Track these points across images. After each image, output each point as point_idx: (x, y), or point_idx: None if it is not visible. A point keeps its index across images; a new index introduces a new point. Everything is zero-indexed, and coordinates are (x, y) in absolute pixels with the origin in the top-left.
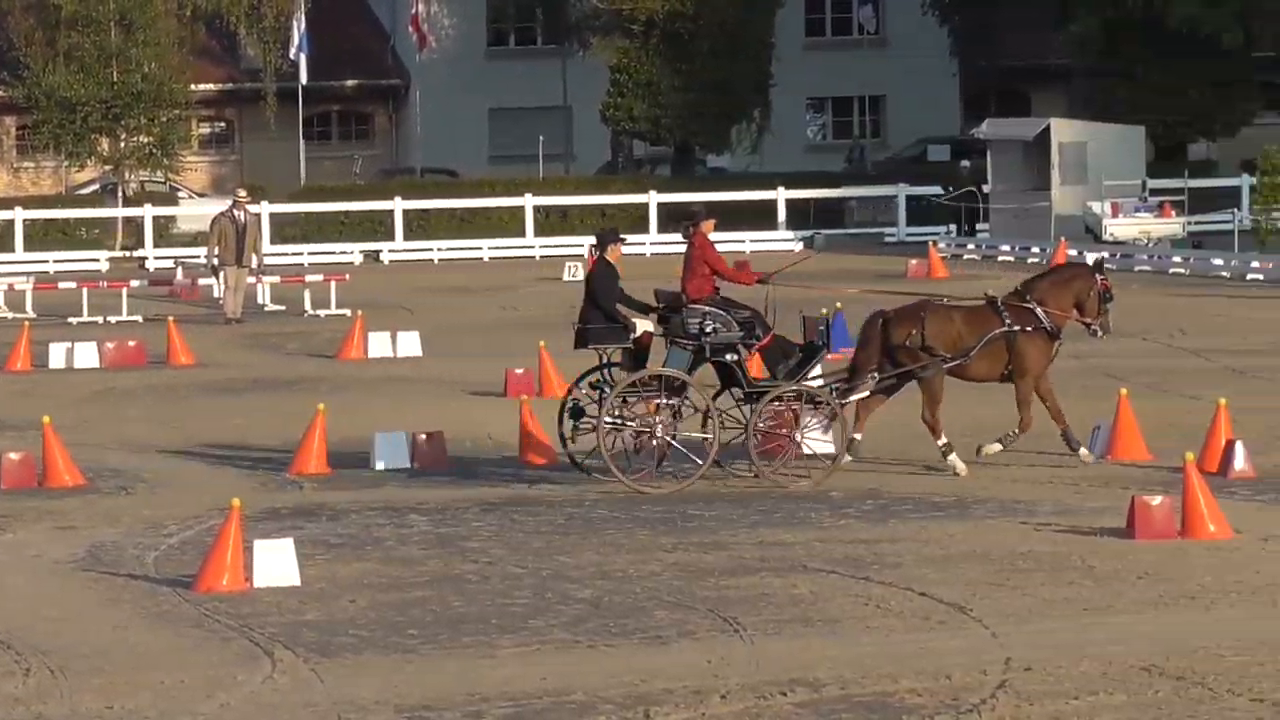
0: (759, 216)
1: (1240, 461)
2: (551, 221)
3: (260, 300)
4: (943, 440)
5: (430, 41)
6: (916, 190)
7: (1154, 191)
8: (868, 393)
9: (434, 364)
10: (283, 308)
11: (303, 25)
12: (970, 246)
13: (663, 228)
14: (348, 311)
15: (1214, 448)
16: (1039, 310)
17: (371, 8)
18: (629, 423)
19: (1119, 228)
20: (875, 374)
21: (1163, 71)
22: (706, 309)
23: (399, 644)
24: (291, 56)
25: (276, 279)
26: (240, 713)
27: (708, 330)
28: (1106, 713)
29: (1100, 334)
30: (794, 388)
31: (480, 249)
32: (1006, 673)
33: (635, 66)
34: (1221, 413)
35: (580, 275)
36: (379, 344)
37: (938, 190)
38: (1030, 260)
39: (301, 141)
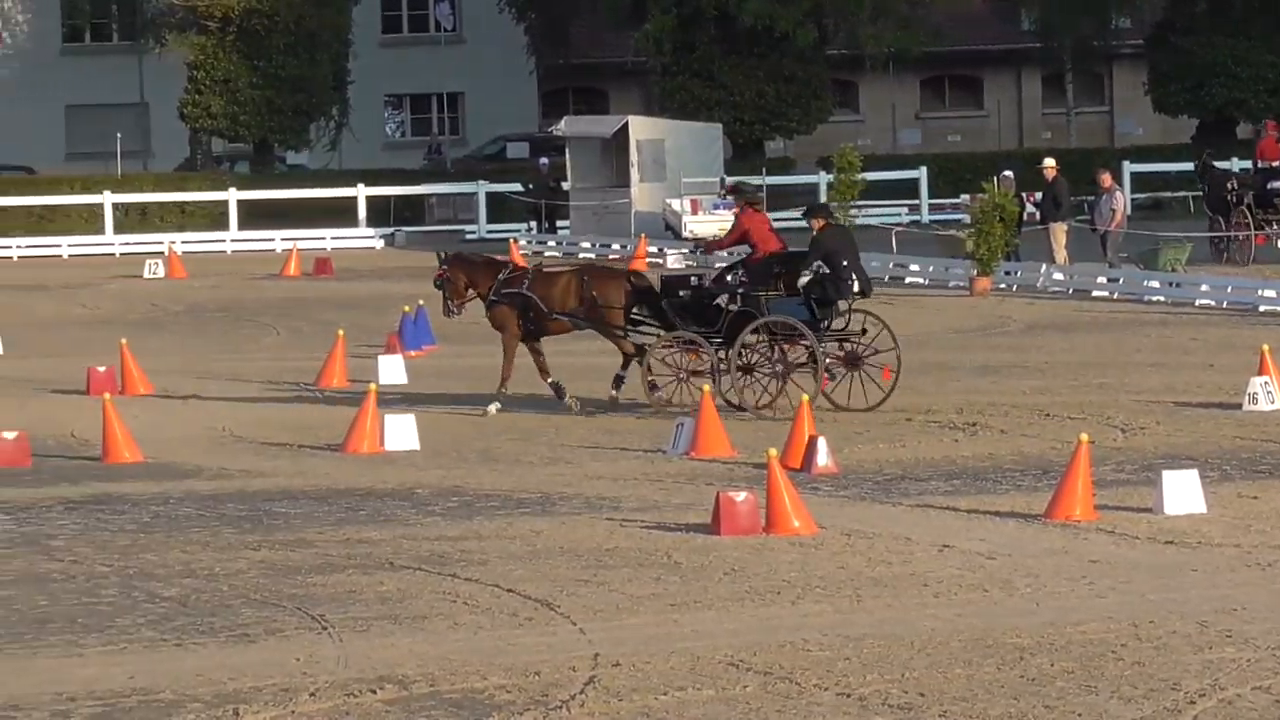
0: (339, 214)
1: (823, 457)
2: (131, 219)
3: None
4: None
5: (4, 37)
6: (496, 187)
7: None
8: None
9: (14, 362)
10: None
11: None
12: (551, 243)
13: (243, 224)
14: None
15: (797, 443)
16: None
17: None
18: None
19: (699, 225)
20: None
21: (738, 69)
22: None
23: None
24: None
25: None
26: None
27: None
28: (694, 707)
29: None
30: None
31: (59, 246)
32: (595, 668)
33: (212, 63)
34: (805, 409)
35: (161, 273)
36: None
37: (517, 187)
38: (611, 256)
39: None
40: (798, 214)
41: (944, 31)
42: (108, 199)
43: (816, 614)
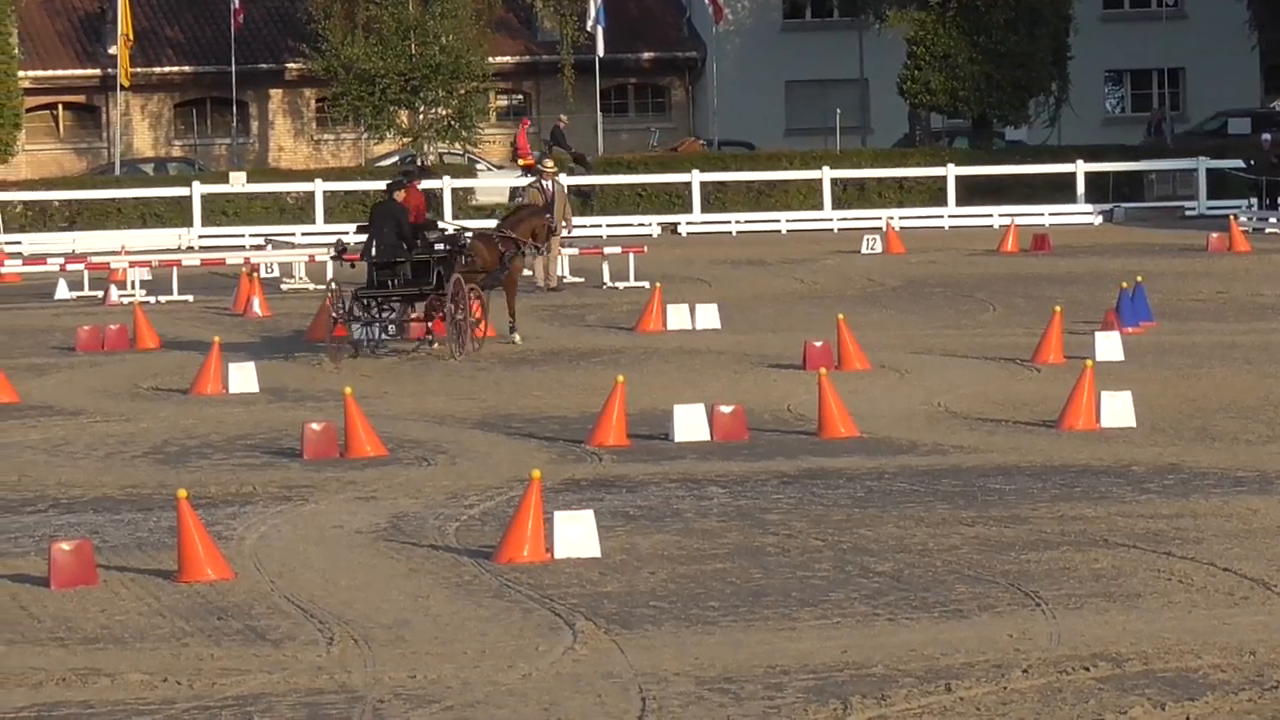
0: (1056, 189)
1: None
2: (849, 194)
3: (559, 272)
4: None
5: (726, 14)
6: (1217, 164)
7: None
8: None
9: (732, 336)
10: (581, 279)
11: None
12: (1272, 220)
13: (960, 201)
14: (646, 283)
15: None
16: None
17: None
18: None
19: None
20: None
21: None
22: None
23: (699, 616)
24: (588, 29)
25: (575, 251)
26: (542, 683)
27: None
28: None
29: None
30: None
31: (778, 221)
32: None
33: (931, 39)
34: None
35: (879, 248)
36: (677, 316)
37: (1239, 164)
38: None
39: (598, 114)
40: None
41: None
42: (826, 174)
43: None
